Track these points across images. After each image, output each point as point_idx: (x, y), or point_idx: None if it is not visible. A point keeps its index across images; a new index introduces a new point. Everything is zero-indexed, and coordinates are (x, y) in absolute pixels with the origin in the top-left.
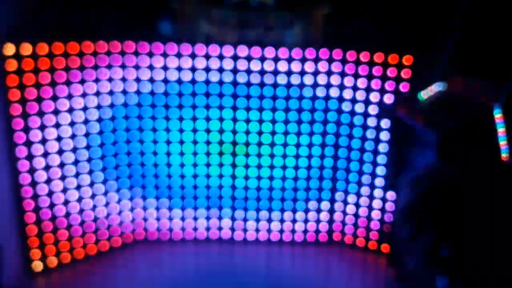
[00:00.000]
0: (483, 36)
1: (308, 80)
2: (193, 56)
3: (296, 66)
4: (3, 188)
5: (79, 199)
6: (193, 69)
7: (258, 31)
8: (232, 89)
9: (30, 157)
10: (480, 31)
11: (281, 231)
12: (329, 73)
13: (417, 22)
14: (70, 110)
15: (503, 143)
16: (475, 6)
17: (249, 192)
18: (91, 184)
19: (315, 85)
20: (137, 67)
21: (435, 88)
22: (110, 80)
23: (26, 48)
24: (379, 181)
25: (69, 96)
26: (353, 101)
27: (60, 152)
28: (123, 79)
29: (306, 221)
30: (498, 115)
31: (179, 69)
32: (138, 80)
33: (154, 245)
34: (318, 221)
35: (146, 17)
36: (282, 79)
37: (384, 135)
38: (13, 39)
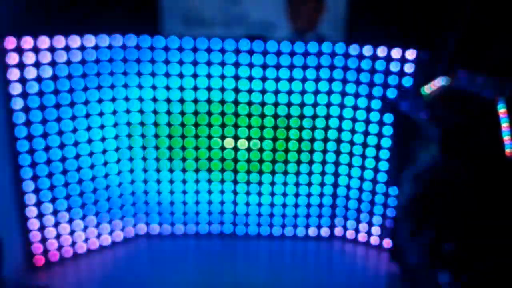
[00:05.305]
0: (487, 31)
1: (310, 74)
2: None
3: (298, 61)
4: (4, 182)
5: (81, 194)
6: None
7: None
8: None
9: (31, 151)
10: (484, 25)
11: (283, 226)
12: (331, 67)
13: (420, 16)
14: (72, 104)
15: (507, 138)
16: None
17: (251, 187)
18: (93, 179)
19: (317, 79)
20: (138, 61)
21: (438, 83)
22: (112, 73)
23: (28, 42)
24: (382, 176)
25: (71, 91)
26: (356, 95)
27: (62, 146)
28: (124, 74)
29: (308, 216)
30: (502, 110)
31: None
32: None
33: (156, 239)
34: (320, 216)
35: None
36: (284, 74)
37: (387, 130)
38: (14, 33)
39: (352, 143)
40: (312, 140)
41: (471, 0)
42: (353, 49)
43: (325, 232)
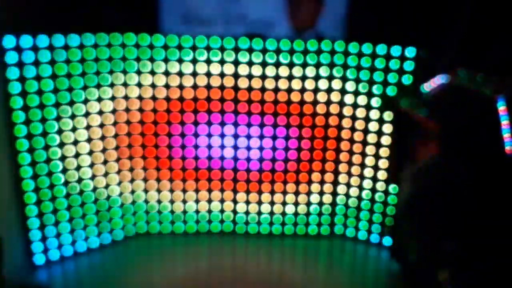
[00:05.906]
0: (487, 31)
1: (310, 72)
2: None
3: (297, 59)
4: (3, 181)
5: (81, 193)
6: None
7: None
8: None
9: (31, 150)
10: (484, 25)
11: (283, 224)
12: (331, 65)
13: (421, 13)
14: (71, 103)
15: (507, 135)
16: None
17: (251, 186)
18: (93, 177)
19: (317, 78)
20: (138, 60)
21: (438, 81)
22: (111, 72)
23: (27, 41)
24: (382, 174)
25: (70, 89)
26: (356, 93)
27: (61, 145)
28: (124, 72)
29: (308, 214)
30: (502, 108)
31: None
32: (139, 72)
33: (156, 238)
34: (320, 214)
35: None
36: (284, 72)
37: (387, 128)
38: (13, 31)
39: (352, 141)
40: (312, 138)
41: (471, 0)
42: (352, 47)
43: (325, 230)
